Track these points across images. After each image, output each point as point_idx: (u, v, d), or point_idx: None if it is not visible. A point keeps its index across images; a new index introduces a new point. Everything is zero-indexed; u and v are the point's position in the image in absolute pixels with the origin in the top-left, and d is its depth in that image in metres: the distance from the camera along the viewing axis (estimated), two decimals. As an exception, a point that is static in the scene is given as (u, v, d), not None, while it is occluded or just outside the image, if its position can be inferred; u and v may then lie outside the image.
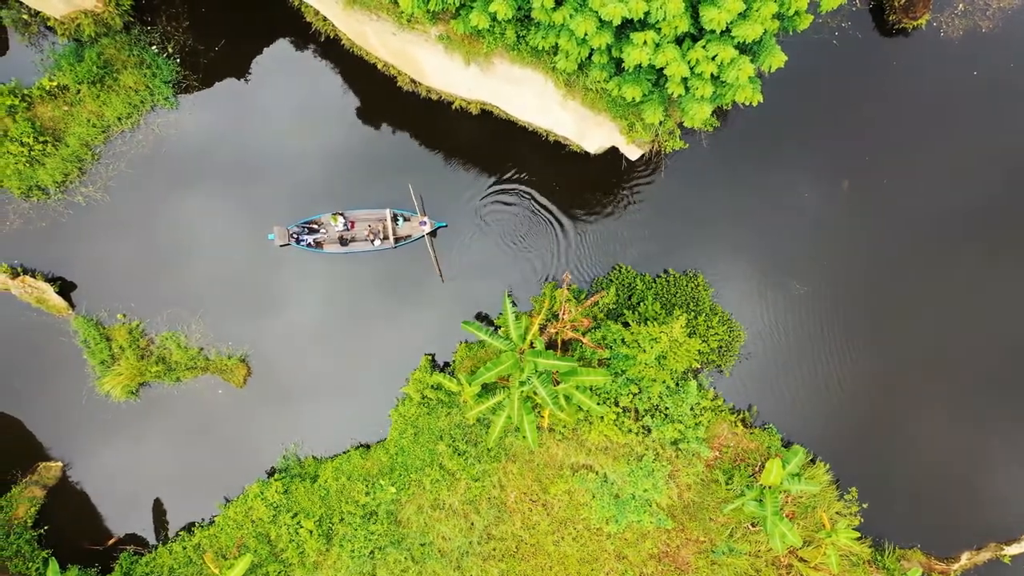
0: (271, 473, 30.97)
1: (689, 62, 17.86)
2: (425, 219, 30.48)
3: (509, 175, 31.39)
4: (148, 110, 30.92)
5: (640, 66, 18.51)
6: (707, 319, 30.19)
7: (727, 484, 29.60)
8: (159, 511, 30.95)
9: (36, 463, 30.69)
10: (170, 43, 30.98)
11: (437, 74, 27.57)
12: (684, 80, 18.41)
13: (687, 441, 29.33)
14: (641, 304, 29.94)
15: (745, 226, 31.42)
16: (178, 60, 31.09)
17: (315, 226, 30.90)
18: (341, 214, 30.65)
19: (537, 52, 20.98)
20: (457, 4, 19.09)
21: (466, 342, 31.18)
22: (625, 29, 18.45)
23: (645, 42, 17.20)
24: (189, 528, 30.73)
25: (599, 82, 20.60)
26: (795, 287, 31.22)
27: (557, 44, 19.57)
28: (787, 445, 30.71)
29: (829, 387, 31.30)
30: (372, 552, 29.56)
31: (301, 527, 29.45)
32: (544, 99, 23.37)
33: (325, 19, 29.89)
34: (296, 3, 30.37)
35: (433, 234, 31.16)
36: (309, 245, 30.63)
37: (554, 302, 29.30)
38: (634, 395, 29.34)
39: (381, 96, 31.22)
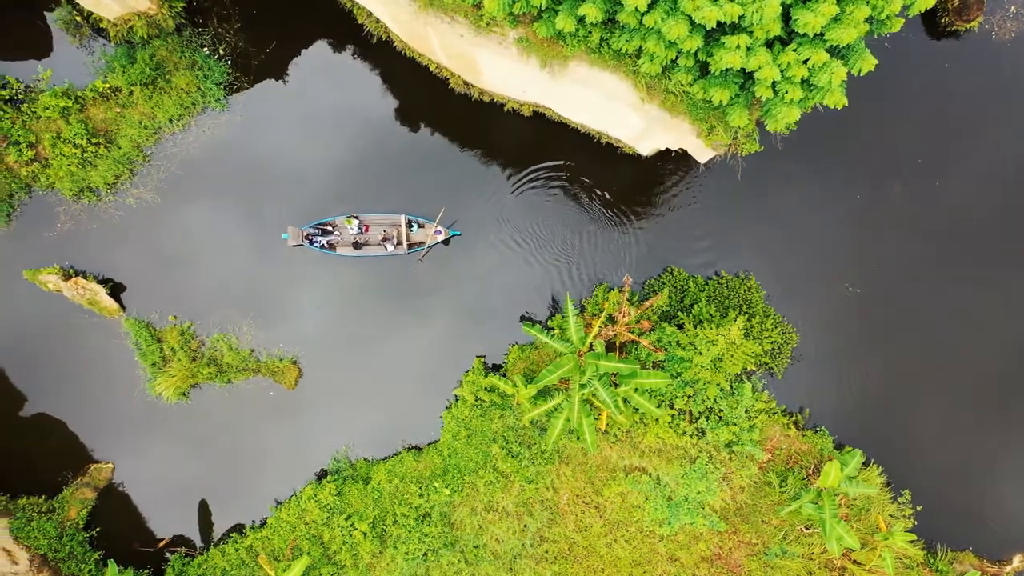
0: (321, 475, 30.95)
1: (780, 65, 17.84)
2: (440, 228, 30.40)
3: (558, 174, 31.30)
4: (199, 112, 30.83)
5: (728, 69, 18.48)
6: (760, 321, 30.13)
7: (780, 487, 29.57)
8: (209, 513, 30.94)
9: (87, 464, 30.70)
10: (221, 45, 30.89)
11: (494, 76, 27.47)
12: (773, 83, 18.37)
13: (741, 443, 29.27)
14: (695, 306, 29.88)
15: (796, 228, 31.37)
16: (229, 62, 30.98)
17: (329, 228, 30.74)
18: (356, 217, 30.48)
19: (619, 55, 20.90)
20: (542, 6, 19.00)
21: (518, 344, 31.13)
22: (714, 32, 18.43)
23: (738, 46, 17.16)
24: (240, 530, 30.71)
25: (683, 85, 20.57)
26: (847, 289, 31.20)
27: (640, 47, 19.53)
28: (839, 447, 30.69)
29: (879, 389, 31.31)
30: (426, 554, 29.54)
31: (355, 529, 29.43)
32: (614, 101, 23.27)
33: (378, 21, 29.74)
34: (348, 4, 30.26)
35: (446, 242, 31.06)
36: (322, 247, 30.47)
37: (609, 304, 29.25)
38: (689, 397, 29.30)
39: (432, 97, 31.07)
